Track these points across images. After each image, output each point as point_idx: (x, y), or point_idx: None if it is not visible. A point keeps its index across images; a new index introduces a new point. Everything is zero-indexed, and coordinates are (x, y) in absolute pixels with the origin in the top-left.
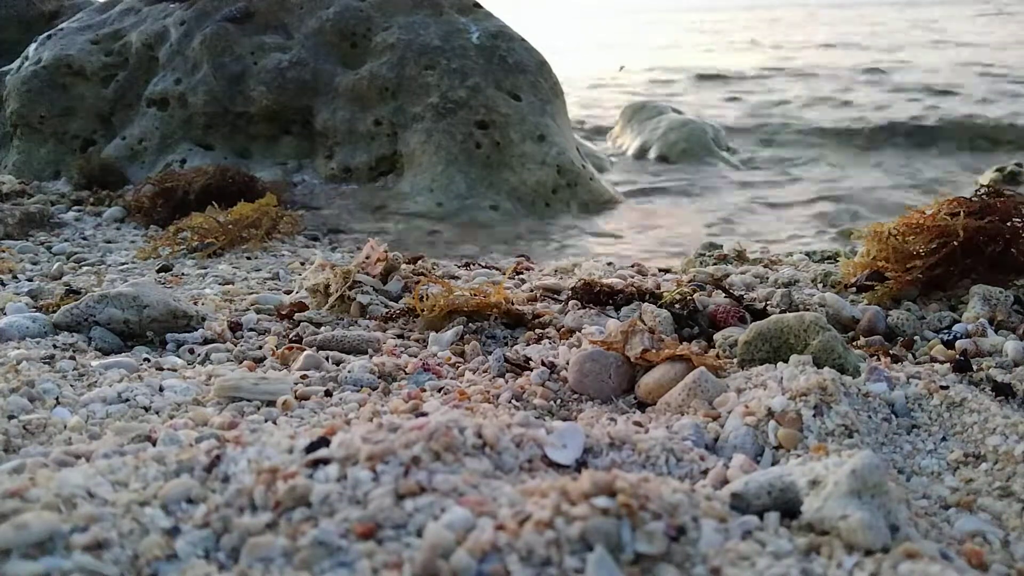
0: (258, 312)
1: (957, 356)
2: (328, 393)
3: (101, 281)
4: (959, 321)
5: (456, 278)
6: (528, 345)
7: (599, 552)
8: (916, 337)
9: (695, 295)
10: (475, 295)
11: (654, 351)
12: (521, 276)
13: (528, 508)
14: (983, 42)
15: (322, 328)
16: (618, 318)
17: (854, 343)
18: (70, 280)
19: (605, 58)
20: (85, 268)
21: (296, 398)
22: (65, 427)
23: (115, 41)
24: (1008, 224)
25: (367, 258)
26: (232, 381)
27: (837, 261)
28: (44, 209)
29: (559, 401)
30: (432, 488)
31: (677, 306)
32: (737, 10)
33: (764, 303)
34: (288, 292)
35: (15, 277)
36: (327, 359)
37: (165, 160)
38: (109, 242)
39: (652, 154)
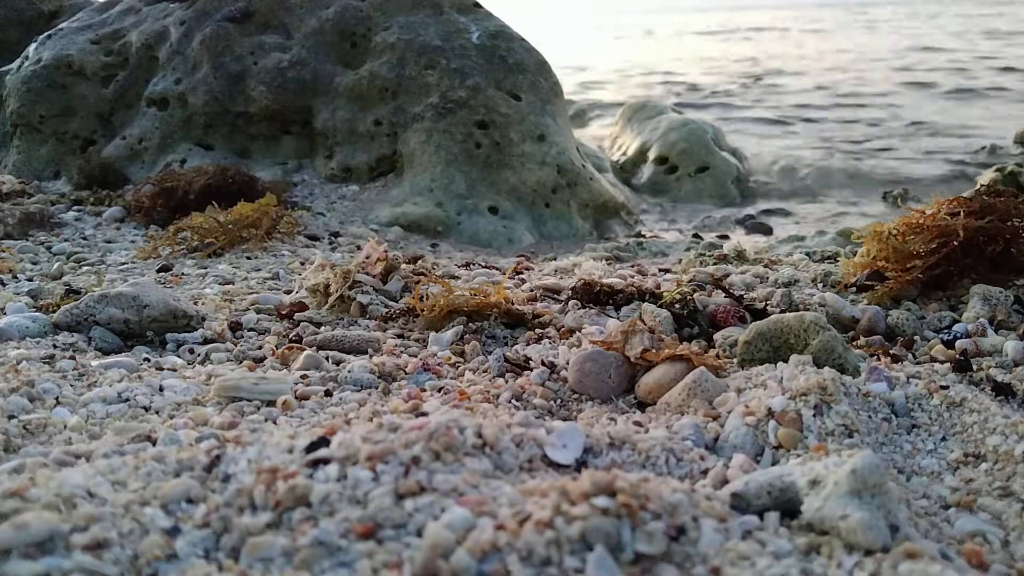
0: (258, 312)
1: (957, 356)
2: (328, 393)
3: (101, 281)
4: (959, 321)
5: (456, 278)
6: (528, 345)
7: (599, 552)
8: (916, 337)
9: (695, 295)
10: (475, 295)
11: (654, 351)
12: (521, 276)
13: (528, 508)
14: None
15: (322, 328)
16: (618, 318)
17: (854, 343)
18: (70, 280)
19: None
20: (85, 268)
21: (296, 398)
22: (65, 427)
23: (115, 41)
24: (1008, 224)
25: (367, 258)
26: (232, 381)
27: (837, 261)
28: (44, 209)
29: (559, 401)
30: (432, 488)
31: (677, 306)
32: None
33: (764, 303)
34: (288, 292)
35: (15, 277)
36: (327, 359)
37: (165, 160)
38: (109, 242)
39: (652, 154)
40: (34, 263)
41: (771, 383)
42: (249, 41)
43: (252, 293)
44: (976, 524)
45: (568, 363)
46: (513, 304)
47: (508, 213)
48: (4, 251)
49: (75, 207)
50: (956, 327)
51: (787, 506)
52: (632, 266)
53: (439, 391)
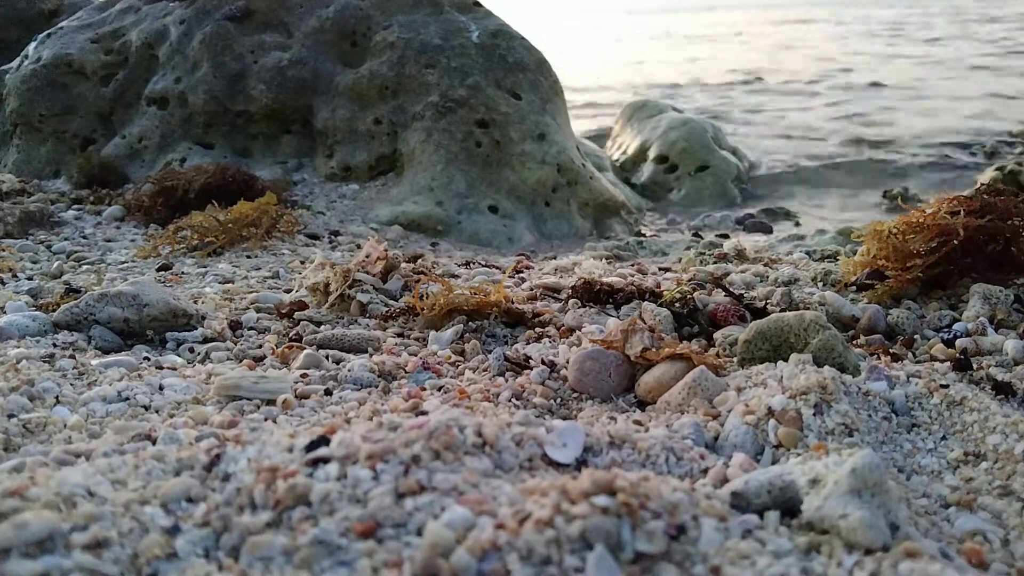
0: (258, 311)
1: (957, 355)
2: (328, 392)
3: (101, 280)
4: (959, 320)
5: (456, 277)
6: (528, 344)
7: (599, 551)
8: (916, 336)
9: (695, 294)
10: (475, 294)
11: (654, 350)
12: (521, 275)
13: (528, 507)
14: None
15: (322, 327)
16: (618, 317)
17: (854, 342)
18: (70, 279)
19: None
20: (85, 267)
21: (296, 397)
22: (65, 426)
23: (115, 40)
24: (1008, 223)
25: (367, 257)
26: (232, 380)
27: (837, 260)
28: (44, 208)
29: (559, 400)
30: (432, 487)
31: (677, 305)
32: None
33: (764, 302)
34: (288, 291)
35: (15, 276)
36: (327, 358)
37: (165, 159)
38: (109, 241)
39: (652, 153)
40: (34, 262)
41: (771, 382)
42: (249, 40)
43: (252, 292)
44: (976, 523)
45: (568, 362)
46: (513, 303)
47: (508, 212)
48: (4, 250)
49: (75, 206)
50: (956, 326)
51: (787, 505)
52: (632, 265)
53: (439, 390)
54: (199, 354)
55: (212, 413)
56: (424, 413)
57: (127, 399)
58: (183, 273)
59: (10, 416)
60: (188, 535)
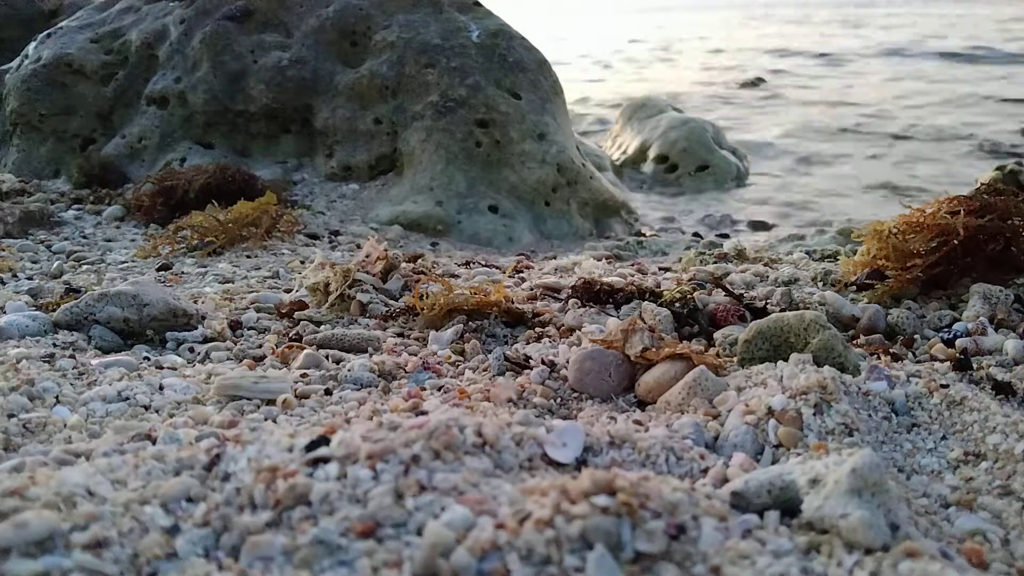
0: (258, 311)
1: (957, 355)
2: (328, 392)
3: (101, 280)
4: (959, 320)
5: (456, 276)
6: (528, 344)
7: (599, 551)
8: (916, 336)
9: (695, 293)
10: (475, 294)
11: (654, 350)
12: (521, 275)
13: (528, 507)
14: None
15: (322, 327)
16: (618, 316)
17: (854, 341)
18: (70, 279)
19: None
20: (85, 267)
21: (296, 397)
22: (65, 426)
23: (115, 40)
24: (1008, 222)
25: (367, 256)
26: (232, 379)
27: (837, 260)
28: (44, 208)
29: (559, 400)
30: (432, 487)
31: (677, 304)
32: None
33: (764, 301)
34: (288, 291)
35: (15, 276)
36: (327, 358)
37: (165, 159)
38: (109, 241)
39: (652, 153)
40: (34, 262)
41: (771, 382)
42: (249, 40)
43: (252, 292)
44: (976, 523)
45: (568, 362)
46: (513, 303)
47: (508, 212)
48: (4, 250)
49: (75, 206)
50: (956, 326)
51: (787, 505)
52: (632, 265)
53: (439, 390)
54: (199, 354)
55: (212, 413)
56: (424, 413)
57: (127, 399)
58: (183, 273)
59: (10, 416)
60: (188, 535)
